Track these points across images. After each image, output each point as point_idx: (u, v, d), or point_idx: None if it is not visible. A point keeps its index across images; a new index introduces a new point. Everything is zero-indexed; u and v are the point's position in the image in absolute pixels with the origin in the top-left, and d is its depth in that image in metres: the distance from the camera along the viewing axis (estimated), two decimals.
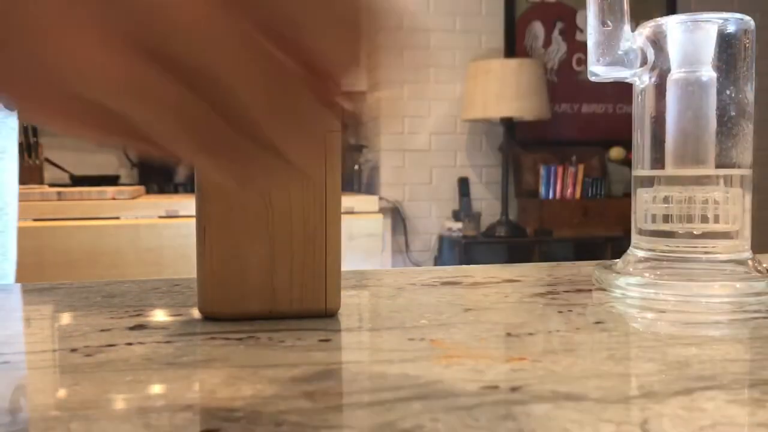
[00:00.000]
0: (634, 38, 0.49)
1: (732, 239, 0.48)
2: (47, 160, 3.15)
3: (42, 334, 0.38)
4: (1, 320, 0.41)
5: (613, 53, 0.49)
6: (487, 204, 3.28)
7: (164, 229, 1.41)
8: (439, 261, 3.22)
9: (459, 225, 3.07)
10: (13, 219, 0.70)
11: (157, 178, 3.16)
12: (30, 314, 0.43)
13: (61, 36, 0.19)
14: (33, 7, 0.19)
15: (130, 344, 0.35)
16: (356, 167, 3.30)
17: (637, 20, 0.47)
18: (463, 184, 3.21)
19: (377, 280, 0.55)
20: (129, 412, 0.25)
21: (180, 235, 1.41)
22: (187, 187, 3.18)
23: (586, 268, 0.61)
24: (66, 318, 0.42)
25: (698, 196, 0.48)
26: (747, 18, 0.47)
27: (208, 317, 0.41)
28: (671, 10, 3.39)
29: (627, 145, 3.30)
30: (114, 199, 1.56)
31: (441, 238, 3.20)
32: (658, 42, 0.49)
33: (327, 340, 0.36)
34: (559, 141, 3.35)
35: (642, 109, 0.51)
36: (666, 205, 0.48)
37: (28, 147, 2.78)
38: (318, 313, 0.41)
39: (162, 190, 3.10)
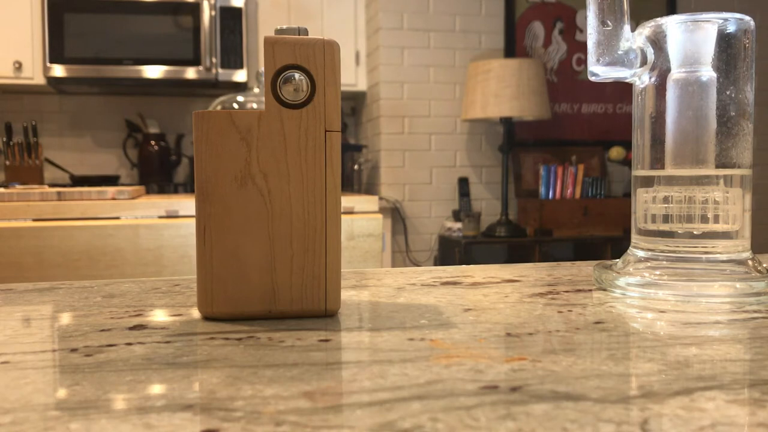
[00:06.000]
0: (634, 38, 0.49)
1: (732, 239, 0.48)
2: (47, 160, 3.15)
3: (42, 334, 0.38)
4: (1, 320, 0.41)
5: (613, 53, 0.49)
6: (487, 204, 3.28)
7: (164, 229, 1.41)
8: (439, 261, 3.22)
9: (459, 225, 3.07)
10: None
11: (157, 178, 3.17)
12: (30, 314, 0.43)
13: None
14: None
15: (130, 344, 0.35)
16: (356, 167, 3.30)
17: (637, 20, 0.47)
18: (463, 184, 3.21)
19: (377, 280, 0.55)
20: (129, 412, 0.25)
21: (180, 235, 1.41)
22: (187, 187, 3.18)
23: (586, 268, 0.61)
24: (66, 318, 0.42)
25: (698, 196, 0.48)
26: (747, 18, 0.47)
27: (208, 317, 0.41)
28: (671, 10, 3.39)
29: (627, 145, 3.30)
30: (114, 199, 1.56)
31: (441, 238, 3.20)
32: (658, 42, 0.49)
33: (327, 340, 0.36)
34: (559, 141, 3.35)
35: (642, 109, 0.51)
36: (666, 205, 0.48)
37: (28, 147, 2.78)
38: (318, 313, 0.41)
39: (162, 190, 3.10)
